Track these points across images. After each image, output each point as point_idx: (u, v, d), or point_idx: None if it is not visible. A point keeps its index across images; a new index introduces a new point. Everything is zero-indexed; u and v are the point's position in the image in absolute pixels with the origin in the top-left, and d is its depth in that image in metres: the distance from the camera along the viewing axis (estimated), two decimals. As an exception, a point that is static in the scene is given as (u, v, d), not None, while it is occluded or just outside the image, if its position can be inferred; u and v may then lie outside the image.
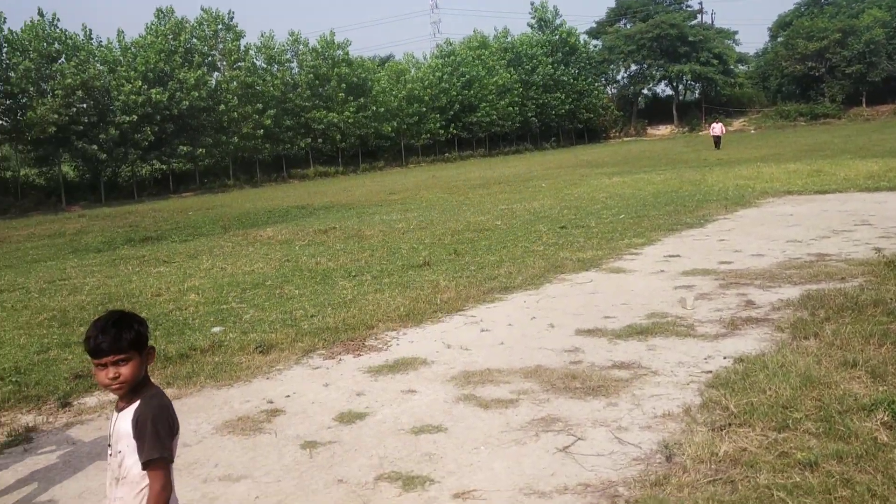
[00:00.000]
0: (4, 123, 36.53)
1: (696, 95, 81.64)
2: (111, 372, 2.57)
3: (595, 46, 77.87)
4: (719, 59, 74.31)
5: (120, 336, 2.56)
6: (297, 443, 4.93)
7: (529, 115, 64.18)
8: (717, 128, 42.35)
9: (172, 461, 2.65)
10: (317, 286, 10.15)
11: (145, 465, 2.60)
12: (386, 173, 47.81)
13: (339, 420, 5.28)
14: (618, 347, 6.48)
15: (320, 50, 49.74)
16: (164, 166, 41.09)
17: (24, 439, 5.39)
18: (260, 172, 45.87)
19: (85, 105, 37.17)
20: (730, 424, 4.52)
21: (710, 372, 5.59)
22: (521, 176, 31.82)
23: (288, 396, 5.85)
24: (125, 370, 2.58)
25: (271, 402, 5.73)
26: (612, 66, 78.47)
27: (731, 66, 77.25)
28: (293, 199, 28.67)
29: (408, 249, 12.88)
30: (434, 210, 19.73)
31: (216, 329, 8.02)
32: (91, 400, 6.11)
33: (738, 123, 70.49)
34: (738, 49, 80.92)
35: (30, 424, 5.66)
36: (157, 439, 2.58)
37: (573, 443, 4.59)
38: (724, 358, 5.91)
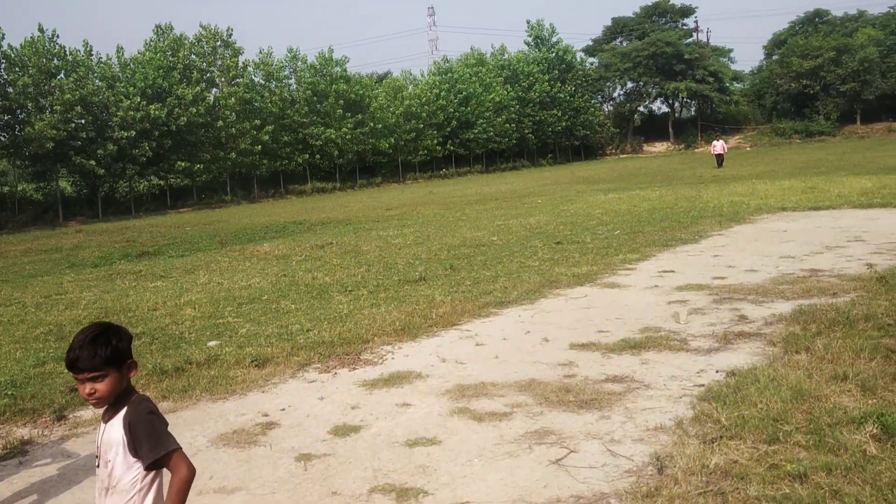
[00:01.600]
0: (2, 139, 36.58)
1: (692, 113, 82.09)
2: (87, 387, 2.60)
3: (591, 64, 78.33)
4: (715, 76, 74.79)
5: (94, 353, 2.58)
6: (292, 455, 4.96)
7: (526, 131, 64.44)
8: (718, 145, 40.96)
9: (180, 447, 2.67)
10: (313, 301, 10.19)
11: (160, 462, 2.62)
12: (383, 189, 47.93)
13: (333, 433, 5.31)
14: (611, 361, 6.52)
15: (318, 66, 49.95)
16: (161, 182, 41.17)
17: (19, 452, 5.41)
18: (257, 188, 45.95)
19: (83, 121, 37.22)
20: (721, 437, 4.56)
21: (703, 385, 5.63)
22: (518, 192, 31.94)
23: (283, 410, 5.88)
24: (100, 386, 2.60)
25: (266, 416, 5.76)
26: (608, 84, 78.92)
27: (727, 84, 77.74)
28: (290, 214, 28.74)
29: (404, 264, 12.93)
30: (430, 226, 19.80)
31: (212, 343, 8.05)
32: (86, 413, 6.13)
33: (733, 141, 70.68)
34: (733, 67, 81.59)
35: (25, 437, 5.68)
36: (159, 434, 2.62)
37: (566, 455, 4.62)
38: (717, 372, 5.96)
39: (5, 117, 36.03)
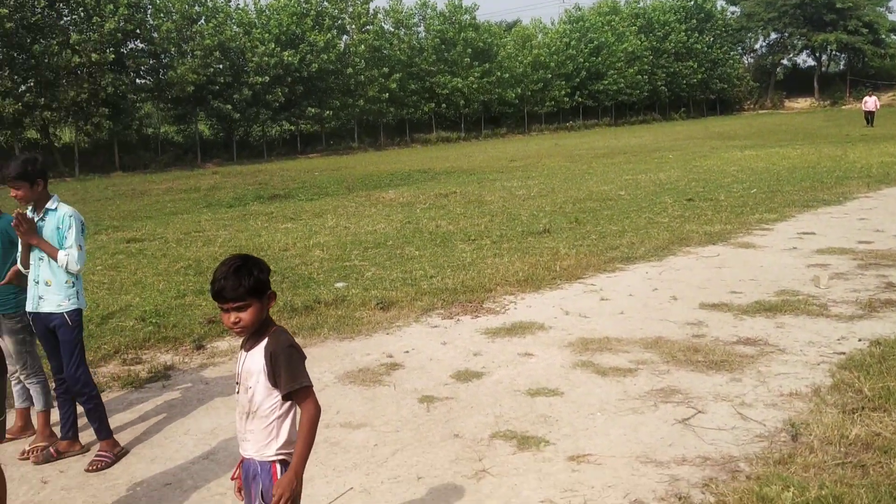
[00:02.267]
0: (148, 82, 38.49)
1: (841, 67, 76.85)
2: (232, 316, 2.69)
3: (732, 13, 74.25)
4: (869, 27, 69.41)
5: (239, 284, 2.66)
6: (415, 396, 5.05)
7: (659, 83, 62.10)
8: (870, 102, 37.69)
9: (311, 384, 2.76)
10: (436, 248, 10.28)
11: (291, 395, 2.72)
12: (508, 140, 47.58)
13: (455, 377, 5.36)
14: (744, 323, 6.27)
15: (448, 14, 49.71)
16: (292, 127, 42.31)
17: (163, 376, 5.77)
18: (384, 136, 46.55)
19: (221, 66, 38.62)
20: (863, 408, 4.31)
21: (843, 353, 5.34)
22: (648, 146, 31.00)
23: (407, 352, 5.98)
24: (245, 315, 2.69)
25: (391, 357, 5.88)
26: (749, 35, 74.72)
27: (883, 36, 71.99)
28: (415, 162, 29.01)
29: (528, 216, 12.83)
30: (555, 178, 19.53)
31: (339, 284, 8.27)
32: (223, 344, 6.45)
33: (886, 97, 65.85)
34: (891, 17, 75.41)
35: (168, 363, 6.05)
36: (297, 369, 2.71)
37: (693, 415, 4.49)
38: (860, 340, 5.62)
39: (150, 62, 37.83)
